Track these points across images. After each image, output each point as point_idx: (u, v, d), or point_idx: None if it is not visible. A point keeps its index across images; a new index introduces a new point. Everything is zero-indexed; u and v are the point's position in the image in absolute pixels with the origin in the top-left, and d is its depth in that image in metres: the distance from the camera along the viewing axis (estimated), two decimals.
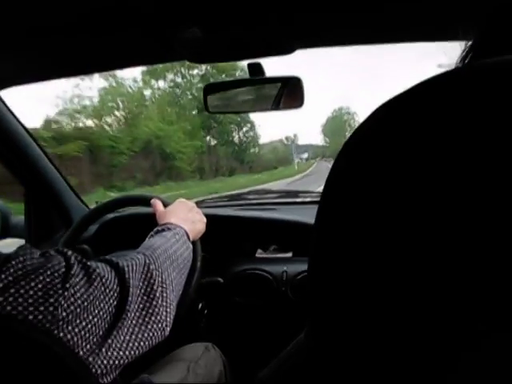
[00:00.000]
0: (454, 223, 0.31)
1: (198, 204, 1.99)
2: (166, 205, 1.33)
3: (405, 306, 0.33)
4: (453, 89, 0.32)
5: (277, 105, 1.38)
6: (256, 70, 1.29)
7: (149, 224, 1.20)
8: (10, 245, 1.85)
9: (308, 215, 1.64)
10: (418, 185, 0.32)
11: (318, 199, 1.96)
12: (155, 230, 1.14)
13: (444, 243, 0.31)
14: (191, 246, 1.16)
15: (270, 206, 1.91)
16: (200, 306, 1.57)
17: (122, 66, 1.46)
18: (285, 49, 1.22)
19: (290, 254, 1.65)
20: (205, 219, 1.31)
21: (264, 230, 1.69)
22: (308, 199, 2.00)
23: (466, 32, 0.51)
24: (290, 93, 1.35)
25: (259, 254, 1.69)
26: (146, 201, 1.42)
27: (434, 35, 1.21)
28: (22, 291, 0.65)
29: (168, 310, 0.91)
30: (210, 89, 1.38)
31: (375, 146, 0.36)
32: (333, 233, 0.38)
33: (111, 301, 0.78)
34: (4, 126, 1.67)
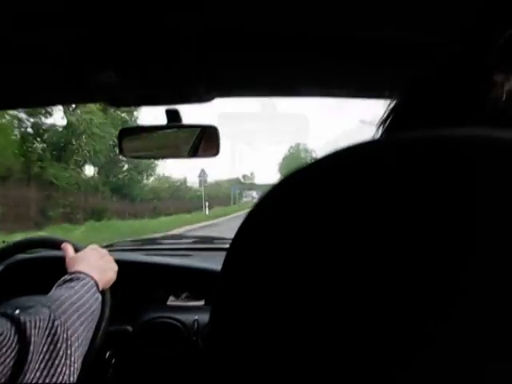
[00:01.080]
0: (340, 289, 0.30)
1: (109, 247, 1.95)
2: (77, 250, 1.29)
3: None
4: (365, 168, 0.31)
5: (194, 152, 1.39)
6: (173, 116, 1.30)
7: (59, 268, 1.16)
8: None
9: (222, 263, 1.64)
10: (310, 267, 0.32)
11: None
12: (63, 278, 1.10)
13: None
14: (100, 296, 1.12)
15: (184, 251, 1.90)
16: (107, 354, 1.52)
17: (40, 105, 1.44)
18: (203, 97, 1.23)
19: (202, 302, 1.63)
20: (116, 267, 1.28)
21: (176, 276, 1.67)
22: (224, 246, 2.00)
23: (391, 92, 0.51)
24: (206, 141, 1.36)
25: (171, 301, 1.66)
26: (56, 244, 1.37)
27: (361, 92, 1.26)
28: None
29: (72, 368, 0.87)
30: (126, 133, 1.38)
31: (272, 224, 0.35)
32: (233, 285, 0.38)
33: (8, 360, 0.74)
34: None
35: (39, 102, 1.44)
